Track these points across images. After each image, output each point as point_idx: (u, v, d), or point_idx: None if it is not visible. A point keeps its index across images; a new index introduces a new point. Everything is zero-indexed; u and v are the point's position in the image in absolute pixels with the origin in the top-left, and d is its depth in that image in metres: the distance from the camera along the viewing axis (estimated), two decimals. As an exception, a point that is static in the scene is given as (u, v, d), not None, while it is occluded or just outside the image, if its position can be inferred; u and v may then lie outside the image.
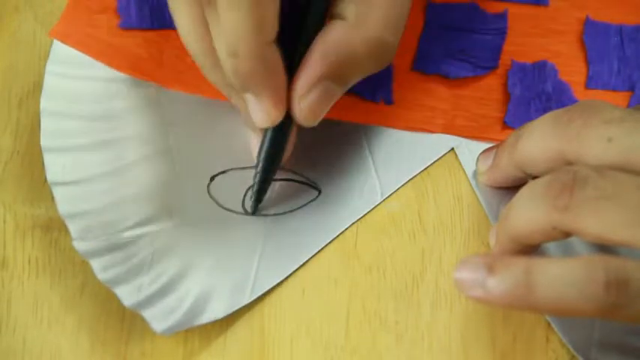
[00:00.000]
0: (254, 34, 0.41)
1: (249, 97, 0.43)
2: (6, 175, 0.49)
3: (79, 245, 0.45)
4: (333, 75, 0.44)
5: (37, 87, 0.50)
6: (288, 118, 0.44)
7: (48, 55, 0.50)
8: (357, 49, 0.43)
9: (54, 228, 0.47)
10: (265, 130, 0.45)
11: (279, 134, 0.45)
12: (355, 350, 0.44)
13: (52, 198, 0.47)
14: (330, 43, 0.43)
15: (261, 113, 0.44)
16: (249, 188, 0.48)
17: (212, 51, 0.43)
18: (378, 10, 0.44)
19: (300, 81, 0.43)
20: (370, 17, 0.44)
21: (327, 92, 0.44)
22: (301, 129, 0.46)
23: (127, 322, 0.45)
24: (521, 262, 0.37)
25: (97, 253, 0.45)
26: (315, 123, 0.45)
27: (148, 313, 0.44)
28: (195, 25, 0.44)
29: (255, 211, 0.47)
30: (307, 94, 0.44)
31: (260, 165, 0.46)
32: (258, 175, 0.46)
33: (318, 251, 0.46)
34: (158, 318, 0.44)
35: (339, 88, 0.44)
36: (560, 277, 0.36)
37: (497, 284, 0.37)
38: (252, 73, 0.42)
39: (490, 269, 0.37)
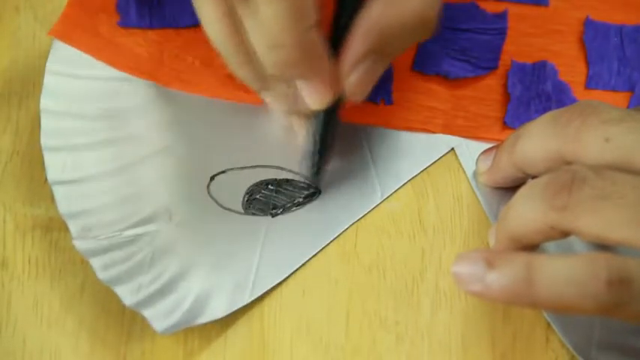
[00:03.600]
0: (297, 22, 0.42)
1: (301, 84, 0.44)
2: (6, 175, 0.49)
3: (79, 244, 0.45)
4: (376, 50, 0.44)
5: (37, 87, 0.50)
6: (337, 100, 0.45)
7: (48, 55, 0.50)
8: (396, 25, 0.44)
9: (54, 228, 0.47)
10: (317, 113, 0.46)
11: (331, 113, 0.46)
12: (355, 350, 0.44)
13: (52, 198, 0.47)
14: (372, 20, 0.44)
15: (316, 95, 0.44)
16: (249, 189, 0.48)
17: (243, 47, 0.44)
18: None
19: (347, 59, 0.44)
20: None
21: (372, 66, 0.45)
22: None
23: (127, 322, 0.45)
24: (521, 258, 0.37)
25: (97, 252, 0.45)
26: (365, 96, 0.46)
27: (148, 313, 0.44)
28: (224, 22, 0.44)
29: (319, 184, 0.48)
30: (354, 70, 0.44)
31: (318, 146, 0.46)
32: (316, 156, 0.47)
33: (318, 251, 0.46)
34: (158, 317, 0.44)
35: (383, 61, 0.45)
36: (561, 273, 0.36)
37: (496, 279, 0.37)
38: (301, 61, 0.43)
39: (490, 264, 0.37)
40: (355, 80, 0.45)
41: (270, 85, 0.46)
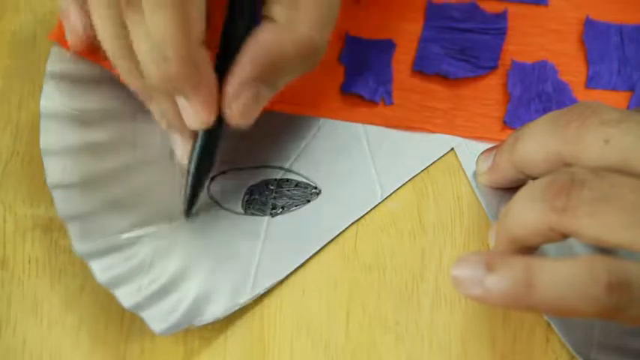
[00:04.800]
0: (183, 35, 0.41)
1: (181, 100, 0.44)
2: (6, 175, 0.49)
3: (79, 247, 0.45)
4: (263, 77, 0.44)
5: (37, 87, 0.50)
6: (220, 120, 0.44)
7: (48, 56, 0.50)
8: (286, 51, 0.44)
9: (54, 228, 0.47)
10: (197, 133, 0.45)
11: (211, 136, 0.45)
12: (355, 350, 0.44)
13: (52, 199, 0.46)
14: (260, 45, 0.44)
15: (194, 116, 0.44)
16: (249, 189, 0.48)
17: (132, 54, 0.43)
18: (307, 11, 0.44)
19: (231, 83, 0.44)
20: (298, 19, 0.44)
21: (257, 95, 0.44)
22: (304, 129, 0.46)
23: (127, 321, 0.45)
24: (521, 261, 0.37)
25: (97, 255, 0.45)
26: (247, 125, 0.45)
27: (147, 314, 0.44)
28: (115, 28, 0.44)
29: (189, 215, 0.47)
30: (238, 96, 0.44)
31: (192, 167, 0.46)
32: (190, 179, 0.46)
33: (318, 251, 0.46)
34: (157, 318, 0.44)
35: (269, 91, 0.45)
36: (561, 276, 0.36)
37: (496, 282, 0.37)
38: (182, 76, 0.42)
39: (489, 267, 0.37)
40: (237, 107, 0.44)
41: (154, 96, 0.46)
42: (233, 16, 0.45)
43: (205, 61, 0.43)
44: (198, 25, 0.42)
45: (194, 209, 0.47)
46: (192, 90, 0.43)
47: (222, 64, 0.44)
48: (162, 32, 0.41)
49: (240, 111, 0.44)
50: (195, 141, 0.46)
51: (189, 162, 0.46)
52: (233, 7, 0.45)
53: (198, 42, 0.42)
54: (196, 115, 0.44)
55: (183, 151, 0.46)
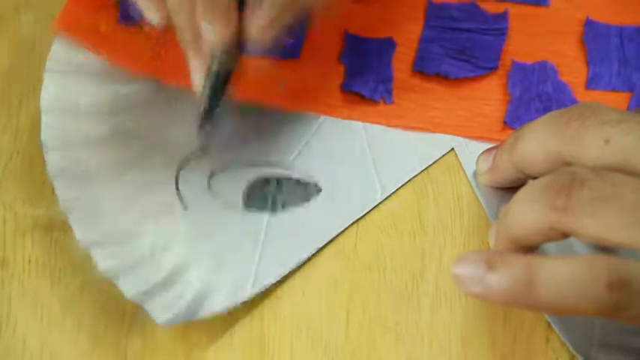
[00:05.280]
0: None
1: (199, 15, 0.44)
2: (6, 175, 0.49)
3: (81, 236, 0.45)
4: None
5: (37, 87, 0.50)
6: (236, 41, 0.45)
7: (48, 56, 0.50)
8: None
9: (54, 228, 0.47)
10: (214, 57, 0.45)
11: (226, 59, 0.45)
12: (355, 350, 0.44)
13: (52, 198, 0.47)
14: None
15: (212, 34, 0.44)
16: (249, 186, 0.48)
17: None
18: None
19: None
20: None
21: (278, 5, 0.44)
22: (304, 127, 0.46)
23: (127, 321, 0.45)
24: (522, 259, 0.37)
25: (99, 244, 0.45)
26: (268, 43, 0.45)
27: (149, 305, 0.44)
28: None
29: (205, 143, 0.47)
30: (259, 9, 0.44)
31: (207, 90, 0.46)
32: (205, 100, 0.46)
33: (318, 251, 0.46)
34: (159, 310, 0.44)
35: (293, 6, 0.45)
36: (561, 275, 0.36)
37: (496, 280, 0.37)
38: None
39: (490, 265, 0.37)
40: (261, 21, 0.44)
41: (175, 15, 0.46)
42: None
43: None
44: None
45: (196, 204, 0.47)
46: (211, 7, 0.43)
47: None
48: None
49: (263, 26, 0.44)
50: (210, 63, 0.45)
51: (204, 84, 0.46)
52: None
53: None
54: (214, 34, 0.44)
55: (200, 75, 0.46)
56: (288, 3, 0.45)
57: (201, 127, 0.46)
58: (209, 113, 0.46)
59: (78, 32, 0.51)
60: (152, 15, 0.45)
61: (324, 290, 0.46)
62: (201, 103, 0.46)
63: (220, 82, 0.46)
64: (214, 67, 0.45)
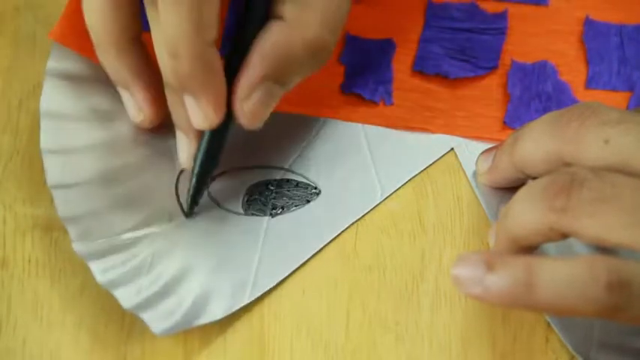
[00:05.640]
0: (194, 34, 0.42)
1: (188, 99, 0.44)
2: (6, 175, 0.49)
3: (79, 248, 0.45)
4: (273, 76, 0.44)
5: (37, 87, 0.50)
6: (226, 121, 0.45)
7: (48, 56, 0.50)
8: (296, 50, 0.44)
9: (54, 228, 0.47)
10: (203, 133, 0.45)
11: (216, 137, 0.45)
12: (355, 350, 0.44)
13: (52, 199, 0.46)
14: (270, 44, 0.44)
15: (200, 116, 0.44)
16: (248, 189, 0.48)
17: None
18: (316, 10, 0.44)
19: (242, 83, 0.44)
20: (308, 17, 0.44)
21: (268, 93, 0.44)
22: (304, 129, 0.46)
23: (127, 321, 0.45)
24: (521, 260, 0.37)
25: (97, 255, 0.45)
26: (259, 125, 0.45)
27: (147, 315, 0.43)
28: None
29: (191, 214, 0.47)
30: (249, 96, 0.44)
31: (197, 167, 0.46)
32: (194, 178, 0.46)
33: (318, 251, 0.46)
34: (157, 319, 0.43)
35: (280, 89, 0.45)
36: (561, 276, 0.36)
37: (496, 282, 0.37)
38: (191, 75, 0.43)
39: (489, 266, 0.37)
40: (249, 107, 0.44)
41: (167, 92, 0.46)
42: (244, 18, 0.44)
43: (216, 61, 0.43)
44: (212, 25, 0.42)
45: (196, 209, 0.47)
46: (201, 89, 0.43)
47: (232, 65, 0.44)
48: (175, 29, 0.42)
49: (251, 111, 0.44)
50: (200, 141, 0.46)
51: (194, 162, 0.46)
52: (245, 8, 0.44)
53: (210, 42, 0.42)
54: (203, 115, 0.44)
55: (187, 151, 0.46)
56: (279, 94, 0.45)
57: (192, 201, 0.46)
58: (199, 187, 0.46)
59: (75, 45, 0.50)
60: (134, 113, 0.47)
61: (324, 290, 0.46)
62: (191, 177, 0.46)
63: (210, 160, 0.46)
64: (204, 145, 0.45)
